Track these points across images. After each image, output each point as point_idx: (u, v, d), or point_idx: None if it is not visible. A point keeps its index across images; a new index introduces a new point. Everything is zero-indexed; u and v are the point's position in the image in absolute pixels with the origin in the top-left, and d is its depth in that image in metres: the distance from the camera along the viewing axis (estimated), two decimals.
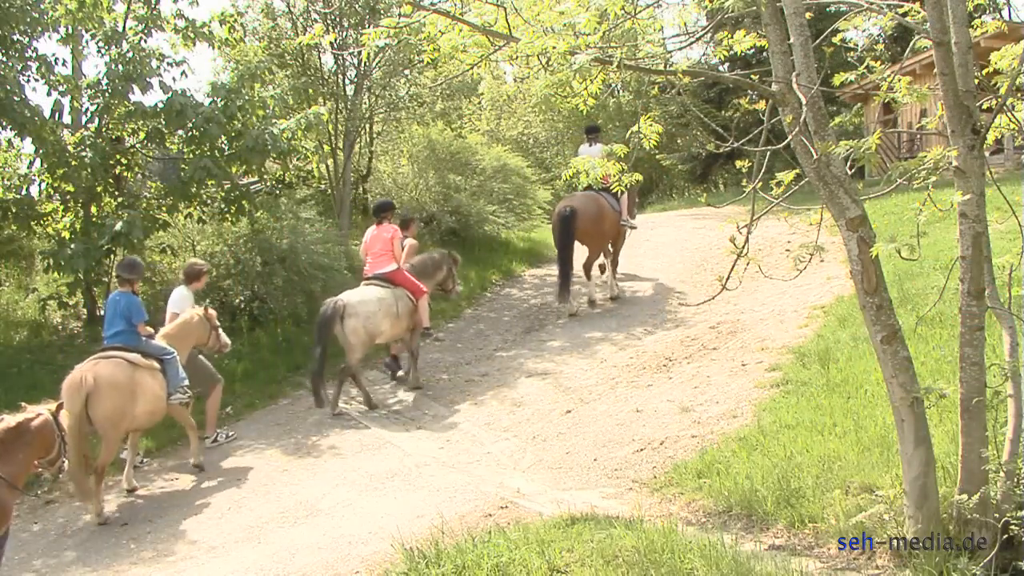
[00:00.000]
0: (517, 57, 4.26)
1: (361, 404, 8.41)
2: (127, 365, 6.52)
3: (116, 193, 10.51)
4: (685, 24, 5.29)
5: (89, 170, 9.53)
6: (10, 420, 4.73)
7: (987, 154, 4.18)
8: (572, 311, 10.25)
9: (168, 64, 10.14)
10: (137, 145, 10.67)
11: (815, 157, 3.76)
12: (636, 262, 12.32)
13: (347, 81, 14.53)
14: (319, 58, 14.33)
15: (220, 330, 7.51)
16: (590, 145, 10.55)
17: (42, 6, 9.74)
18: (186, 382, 6.95)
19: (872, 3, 4.26)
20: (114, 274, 7.14)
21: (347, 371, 8.31)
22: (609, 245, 10.62)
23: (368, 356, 9.91)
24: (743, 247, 4.11)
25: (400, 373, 9.11)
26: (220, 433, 7.83)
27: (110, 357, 6.52)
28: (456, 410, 7.92)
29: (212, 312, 7.50)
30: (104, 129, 10.11)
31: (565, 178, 5.05)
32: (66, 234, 10.05)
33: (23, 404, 4.96)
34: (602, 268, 10.84)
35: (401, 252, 8.76)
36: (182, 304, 7.49)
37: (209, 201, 10.65)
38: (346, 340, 8.11)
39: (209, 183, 10.10)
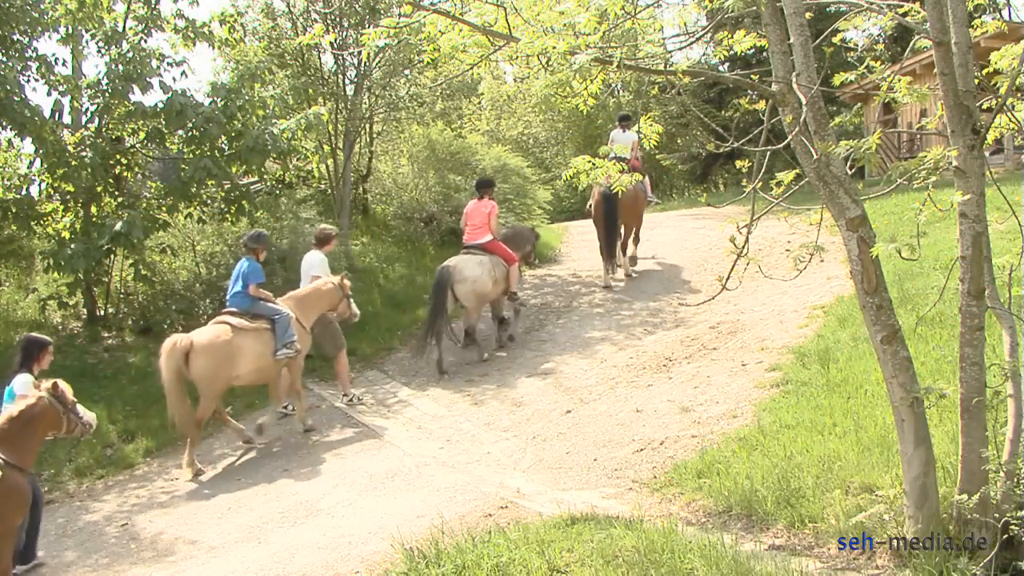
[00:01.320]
0: (517, 57, 4.26)
1: (365, 403, 8.41)
2: (228, 329, 7.30)
3: (116, 193, 10.52)
4: (685, 24, 5.29)
5: (89, 170, 9.53)
6: (12, 410, 5.05)
7: (987, 154, 4.19)
8: (608, 284, 11.23)
9: (168, 64, 10.15)
10: (137, 145, 10.68)
11: (815, 157, 3.76)
12: (636, 262, 12.31)
13: (347, 81, 14.53)
14: (319, 58, 14.33)
15: (351, 299, 8.28)
16: (624, 131, 11.31)
17: (42, 6, 9.75)
18: (294, 339, 7.54)
19: (872, 3, 4.26)
20: (243, 244, 8.10)
21: (469, 331, 9.39)
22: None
23: (368, 356, 9.94)
24: (743, 247, 4.11)
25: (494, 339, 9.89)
26: (354, 394, 8.46)
27: (220, 323, 7.41)
28: (456, 410, 7.92)
29: (347, 282, 8.29)
30: (104, 129, 10.12)
31: (565, 178, 5.06)
32: (66, 234, 10.06)
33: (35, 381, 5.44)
34: (623, 247, 11.72)
35: (497, 226, 9.76)
36: (319, 267, 8.29)
37: (209, 201, 10.65)
38: (459, 302, 9.10)
39: (209, 183, 10.11)
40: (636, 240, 11.78)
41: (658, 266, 12.02)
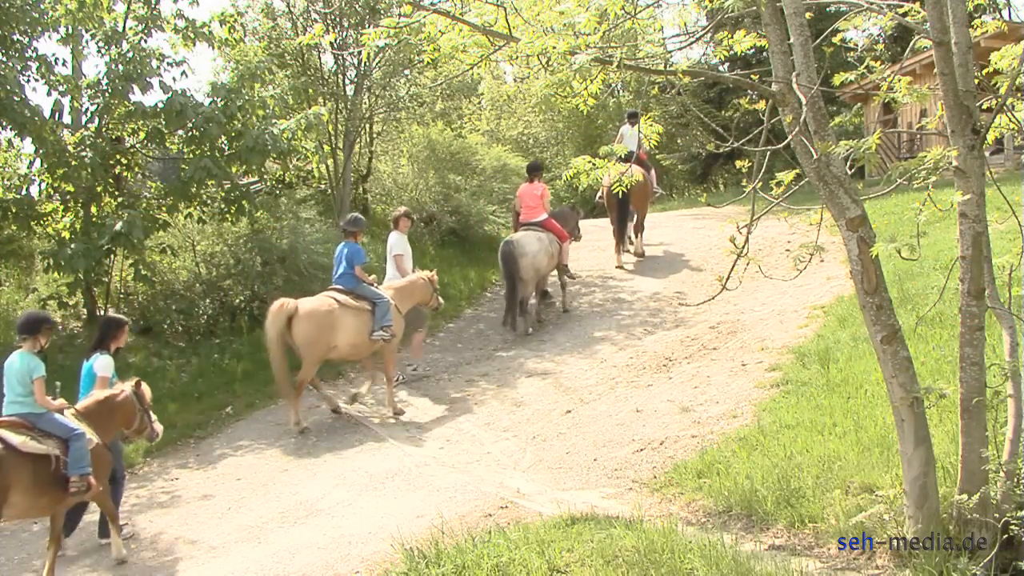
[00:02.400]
0: (517, 57, 4.26)
1: (365, 403, 8.41)
2: (332, 303, 7.81)
3: (116, 193, 10.51)
4: (685, 24, 5.29)
5: (89, 170, 9.53)
6: (100, 394, 5.76)
7: (987, 154, 4.19)
8: (638, 252, 12.16)
9: (168, 64, 10.14)
10: (137, 145, 10.67)
11: (815, 157, 3.77)
12: (636, 261, 12.32)
13: (347, 81, 14.52)
14: (319, 58, 14.32)
15: (438, 292, 9.01)
16: (631, 126, 11.97)
17: (42, 6, 9.75)
18: (391, 323, 8.04)
19: (872, 3, 4.26)
20: (341, 229, 8.70)
21: (523, 302, 10.06)
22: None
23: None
24: (743, 247, 4.11)
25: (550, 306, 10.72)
26: (421, 364, 9.09)
27: (328, 295, 7.92)
28: (456, 410, 7.92)
29: (435, 277, 8.99)
30: (104, 129, 10.11)
31: (566, 178, 5.06)
32: (66, 234, 10.05)
33: (115, 381, 5.99)
34: (629, 239, 12.51)
35: (548, 206, 10.61)
36: (400, 246, 8.94)
37: (209, 201, 10.65)
38: (519, 275, 9.83)
39: (209, 183, 10.10)
40: (641, 228, 12.33)
41: (658, 266, 12.02)
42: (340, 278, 8.16)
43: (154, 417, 6.04)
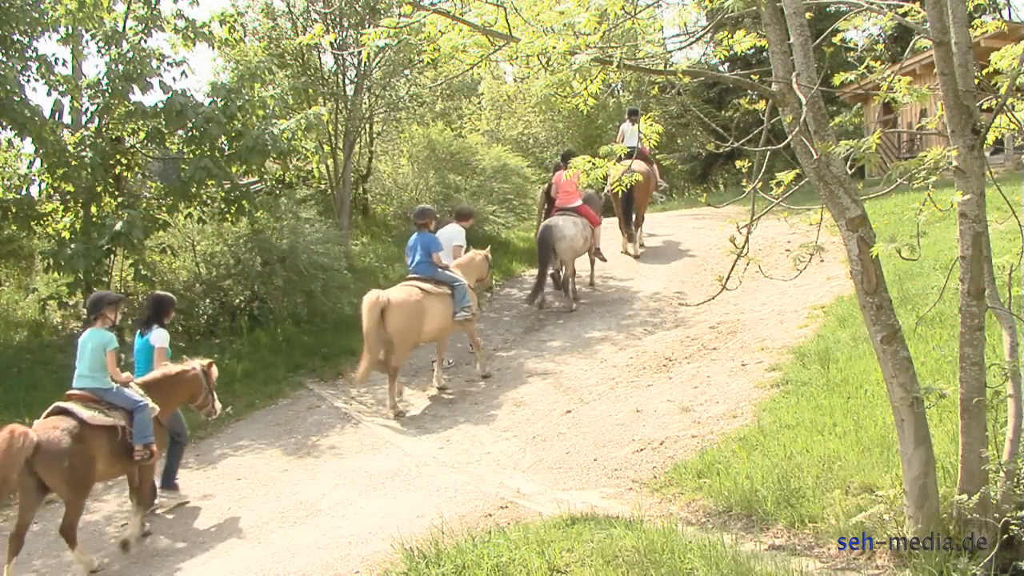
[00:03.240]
0: (517, 57, 4.25)
1: (365, 403, 8.41)
2: (419, 292, 8.21)
3: (116, 193, 10.51)
4: (685, 24, 5.29)
5: (89, 170, 9.53)
6: (172, 368, 6.32)
7: (987, 154, 4.18)
8: (636, 252, 12.56)
9: (168, 64, 10.14)
10: (137, 145, 10.67)
11: (815, 157, 3.76)
12: (636, 262, 12.32)
13: (347, 81, 14.52)
14: (319, 58, 14.32)
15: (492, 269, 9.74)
16: (632, 124, 12.45)
17: (42, 6, 9.74)
18: (470, 303, 8.53)
19: (872, 3, 4.26)
20: (411, 220, 9.06)
21: (565, 282, 10.80)
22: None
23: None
24: (743, 247, 4.11)
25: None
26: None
27: (409, 285, 8.32)
28: (456, 410, 7.92)
29: (489, 256, 9.55)
30: (104, 129, 10.11)
31: (566, 178, 5.06)
32: (66, 234, 10.05)
33: (184, 357, 6.58)
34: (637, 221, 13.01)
35: (582, 192, 10.99)
36: (459, 237, 9.34)
37: (209, 201, 10.64)
38: (559, 257, 10.48)
39: (209, 183, 10.10)
40: (640, 222, 12.83)
41: (658, 266, 12.02)
42: (417, 267, 8.56)
43: (216, 397, 6.64)
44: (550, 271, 10.79)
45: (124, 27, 10.21)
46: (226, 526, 6.05)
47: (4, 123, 9.24)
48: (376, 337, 7.89)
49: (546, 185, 11.59)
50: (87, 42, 10.51)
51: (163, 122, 9.94)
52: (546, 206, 11.25)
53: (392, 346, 8.04)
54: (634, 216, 12.54)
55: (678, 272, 11.51)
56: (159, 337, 6.54)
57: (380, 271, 12.78)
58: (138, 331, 6.78)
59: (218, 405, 6.69)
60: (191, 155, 10.16)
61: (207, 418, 6.90)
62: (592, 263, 11.50)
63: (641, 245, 12.74)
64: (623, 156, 4.80)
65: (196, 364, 6.47)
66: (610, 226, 12.95)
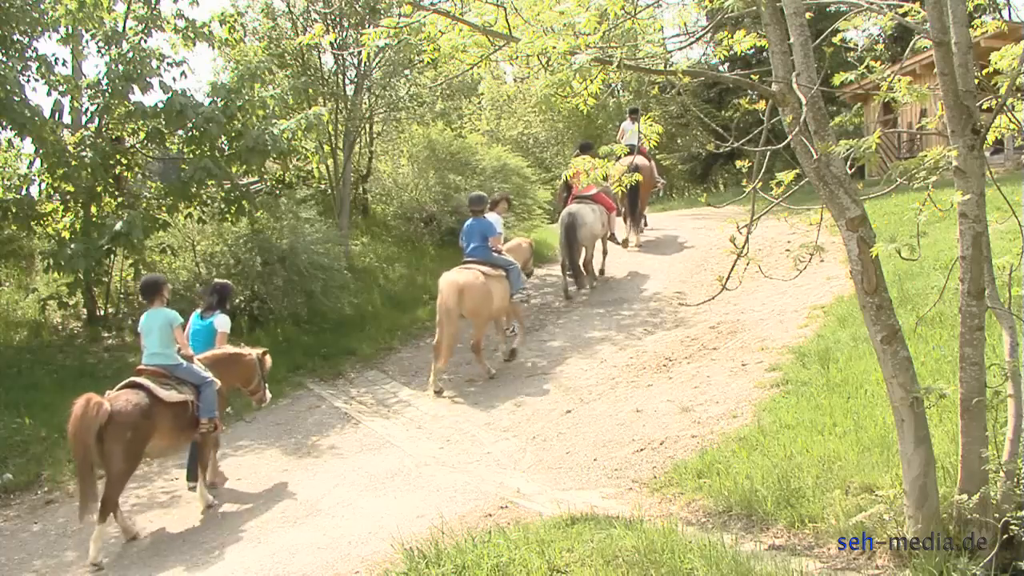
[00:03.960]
0: (517, 57, 4.26)
1: (365, 403, 8.41)
2: (479, 275, 8.69)
3: (116, 193, 10.50)
4: (685, 24, 5.29)
5: (89, 170, 9.53)
6: (230, 349, 6.84)
7: (987, 154, 4.18)
8: (638, 243, 13.19)
9: (168, 64, 10.13)
10: (137, 145, 10.67)
11: (815, 157, 3.76)
12: (636, 261, 12.33)
13: (347, 81, 14.50)
14: (319, 58, 14.31)
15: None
16: (633, 123, 13.10)
17: (42, 6, 9.74)
18: (525, 285, 9.22)
19: (872, 3, 4.26)
20: (469, 208, 9.47)
21: (585, 264, 11.28)
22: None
23: (369, 356, 9.95)
24: (743, 247, 4.11)
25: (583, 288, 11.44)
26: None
27: (470, 268, 8.75)
28: (456, 410, 7.92)
29: (533, 243, 10.49)
30: (104, 129, 10.11)
31: (566, 178, 5.07)
32: (66, 234, 10.04)
33: (242, 344, 7.25)
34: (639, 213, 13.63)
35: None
36: (499, 225, 9.48)
37: (209, 201, 10.64)
38: (578, 243, 10.92)
39: (209, 183, 10.10)
40: (642, 213, 13.51)
41: (658, 266, 12.02)
42: (473, 251, 9.01)
43: (267, 385, 7.13)
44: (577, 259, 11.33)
45: (124, 27, 10.22)
46: (226, 526, 6.05)
47: (4, 123, 9.23)
48: (453, 316, 8.44)
49: (565, 174, 12.18)
50: (87, 42, 10.51)
51: (163, 122, 9.94)
52: (564, 194, 11.70)
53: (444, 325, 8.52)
54: (636, 209, 13.10)
55: (678, 272, 11.51)
56: (223, 322, 6.93)
57: (380, 271, 12.78)
58: (196, 314, 7.10)
59: (268, 394, 7.16)
60: (191, 155, 10.16)
61: (257, 405, 7.40)
62: (604, 253, 11.99)
63: (642, 232, 13.40)
64: (623, 155, 4.80)
65: (254, 352, 6.99)
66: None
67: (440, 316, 8.51)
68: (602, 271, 11.83)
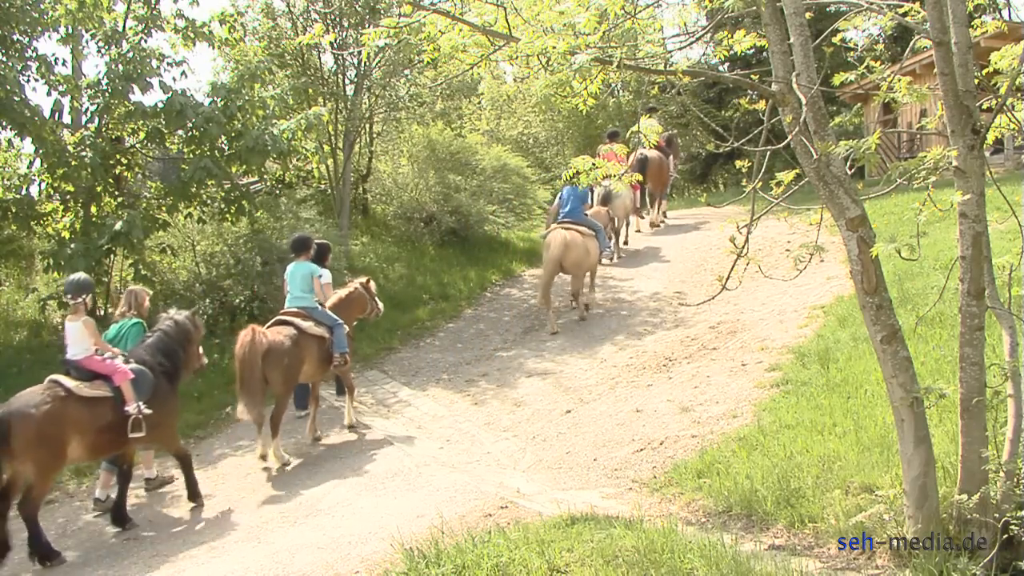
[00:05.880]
0: (517, 57, 4.25)
1: (365, 403, 8.41)
2: (577, 234, 9.93)
3: (116, 193, 10.50)
4: (685, 24, 5.30)
5: (89, 170, 9.52)
6: (342, 292, 8.01)
7: (987, 154, 4.18)
8: (657, 221, 14.68)
9: (168, 64, 10.14)
10: (137, 145, 10.66)
11: (815, 157, 3.76)
12: (636, 261, 12.33)
13: (347, 81, 14.51)
14: (319, 58, 14.31)
15: None
16: (649, 116, 14.69)
17: (42, 6, 9.74)
18: (610, 246, 10.96)
19: (872, 3, 4.26)
20: (567, 180, 10.00)
21: (618, 234, 12.77)
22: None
23: (368, 356, 9.94)
24: (743, 247, 4.11)
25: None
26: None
27: (570, 228, 10.02)
28: (456, 410, 7.92)
29: (610, 210, 11.79)
30: (104, 129, 10.11)
31: (566, 178, 5.07)
32: (66, 234, 10.04)
33: (349, 277, 8.80)
34: (656, 204, 15.05)
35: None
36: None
37: (209, 201, 10.64)
38: (613, 212, 12.05)
39: (209, 183, 10.10)
40: (660, 202, 14.86)
41: (658, 266, 12.02)
42: (569, 213, 10.31)
43: (379, 301, 8.30)
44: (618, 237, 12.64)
45: (124, 27, 10.22)
46: (226, 526, 6.05)
47: (4, 123, 9.24)
48: (555, 269, 9.77)
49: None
50: (87, 42, 10.52)
51: (163, 122, 9.94)
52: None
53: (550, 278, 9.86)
54: (653, 197, 14.58)
55: (678, 272, 11.52)
56: (326, 275, 7.84)
57: (380, 271, 12.76)
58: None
59: (380, 306, 8.29)
60: (191, 155, 10.16)
61: (375, 317, 8.43)
62: (627, 225, 13.37)
63: (658, 223, 14.69)
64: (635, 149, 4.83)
65: (356, 283, 8.15)
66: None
67: (547, 267, 9.84)
68: (627, 241, 13.17)
